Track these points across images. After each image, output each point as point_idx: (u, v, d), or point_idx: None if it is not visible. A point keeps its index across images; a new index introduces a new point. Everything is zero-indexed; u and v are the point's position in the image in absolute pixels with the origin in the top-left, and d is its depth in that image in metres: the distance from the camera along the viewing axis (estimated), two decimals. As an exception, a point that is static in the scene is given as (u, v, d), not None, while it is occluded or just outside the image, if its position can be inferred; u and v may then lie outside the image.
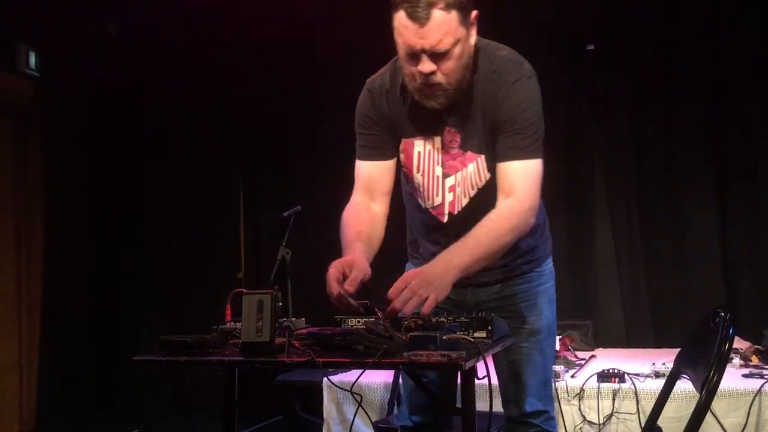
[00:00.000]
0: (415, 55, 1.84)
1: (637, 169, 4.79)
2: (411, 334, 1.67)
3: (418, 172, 2.08)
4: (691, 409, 1.74)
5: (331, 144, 5.14)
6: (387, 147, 2.10)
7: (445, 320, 1.79)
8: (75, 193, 5.30)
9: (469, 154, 2.01)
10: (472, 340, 1.71)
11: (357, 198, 2.16)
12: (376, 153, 2.11)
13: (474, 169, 2.02)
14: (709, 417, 3.09)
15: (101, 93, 5.39)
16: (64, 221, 5.23)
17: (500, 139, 1.95)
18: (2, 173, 5.02)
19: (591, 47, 4.85)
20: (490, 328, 1.80)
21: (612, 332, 4.68)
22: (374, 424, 3.07)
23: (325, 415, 3.71)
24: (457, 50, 1.84)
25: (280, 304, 1.73)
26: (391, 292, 1.73)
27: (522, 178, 1.93)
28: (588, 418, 3.37)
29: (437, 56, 1.82)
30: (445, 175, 2.06)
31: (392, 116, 2.06)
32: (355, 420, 3.42)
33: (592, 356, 4.11)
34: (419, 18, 1.78)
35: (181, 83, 5.34)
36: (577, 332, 4.40)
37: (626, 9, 4.78)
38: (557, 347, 3.81)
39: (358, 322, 1.86)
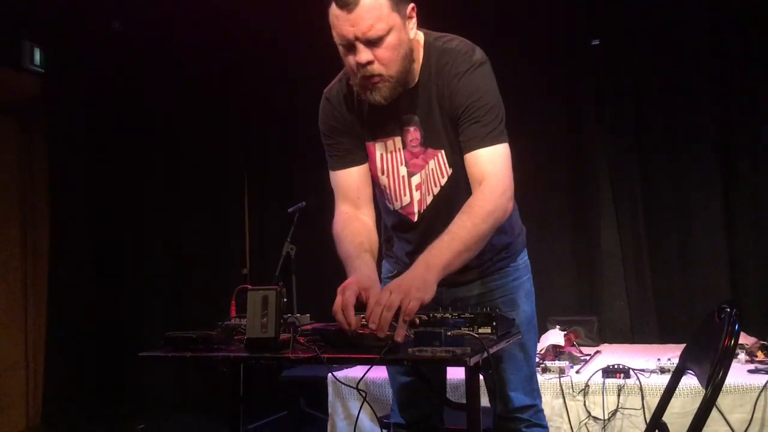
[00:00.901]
0: (350, 46, 1.84)
1: (642, 164, 4.78)
2: (415, 330, 1.67)
3: (382, 174, 2.08)
4: (697, 405, 1.74)
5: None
6: (356, 152, 2.10)
7: (450, 316, 1.79)
8: (80, 190, 5.31)
9: (429, 150, 2.00)
10: (477, 336, 1.71)
11: (343, 209, 2.14)
12: (346, 160, 2.11)
13: (435, 165, 2.01)
14: (714, 413, 3.09)
15: (106, 90, 5.39)
16: (69, 218, 5.24)
17: (462, 131, 1.93)
18: (7, 170, 5.03)
19: (596, 42, 4.83)
20: (494, 323, 1.79)
21: (617, 328, 4.67)
22: (379, 420, 3.08)
23: (330, 411, 3.72)
24: (391, 38, 1.83)
25: (285, 300, 1.73)
26: (368, 316, 1.65)
27: (491, 163, 1.90)
28: (593, 414, 3.37)
29: (371, 44, 1.82)
30: (410, 174, 2.05)
31: (353, 121, 2.06)
32: (360, 415, 3.43)
33: (597, 352, 4.11)
34: (347, 5, 1.78)
35: (186, 80, 5.35)
36: (582, 328, 4.40)
37: (631, 4, 4.77)
38: (562, 342, 3.82)
39: (363, 318, 1.86)
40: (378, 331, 1.61)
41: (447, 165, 2.00)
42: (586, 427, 3.36)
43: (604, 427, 3.33)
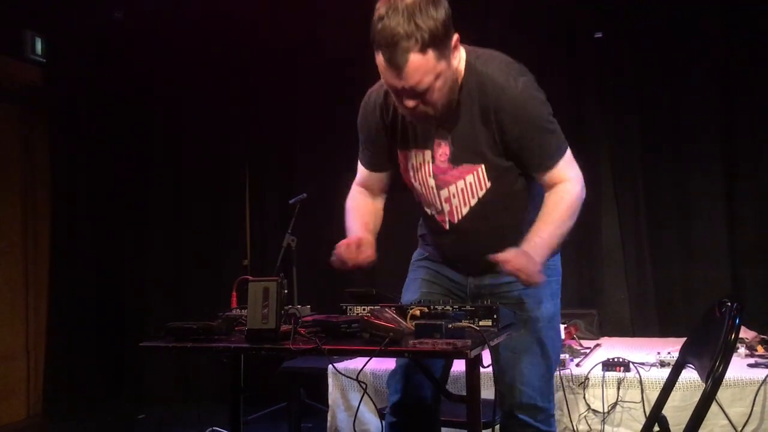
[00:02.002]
0: (397, 93, 1.89)
1: (644, 157, 4.77)
2: (416, 322, 1.67)
3: (415, 181, 2.15)
4: (696, 399, 1.74)
5: (338, 132, 5.14)
6: (382, 161, 2.20)
7: (451, 309, 1.80)
8: (81, 179, 5.32)
9: (463, 166, 2.03)
10: (478, 328, 1.71)
11: (358, 188, 2.30)
12: (371, 163, 2.23)
13: (473, 179, 2.04)
14: (714, 406, 3.10)
15: (107, 79, 5.39)
16: (69, 208, 5.24)
17: (525, 154, 2.00)
18: (8, 160, 5.03)
19: (599, 35, 4.81)
20: (495, 316, 1.80)
21: (617, 321, 4.67)
22: (379, 411, 3.08)
23: (330, 402, 3.72)
24: (438, 83, 1.86)
25: (286, 291, 1.74)
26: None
27: (564, 171, 2.02)
28: (593, 407, 3.37)
29: (419, 94, 1.86)
30: (438, 187, 2.10)
31: (387, 129, 2.11)
32: (360, 407, 3.44)
33: (597, 345, 4.11)
34: (397, 65, 1.80)
35: (188, 70, 5.34)
36: (582, 321, 4.40)
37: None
38: (562, 335, 3.81)
39: (364, 309, 1.87)
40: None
41: (486, 179, 2.04)
42: (586, 420, 3.37)
43: (603, 420, 3.34)
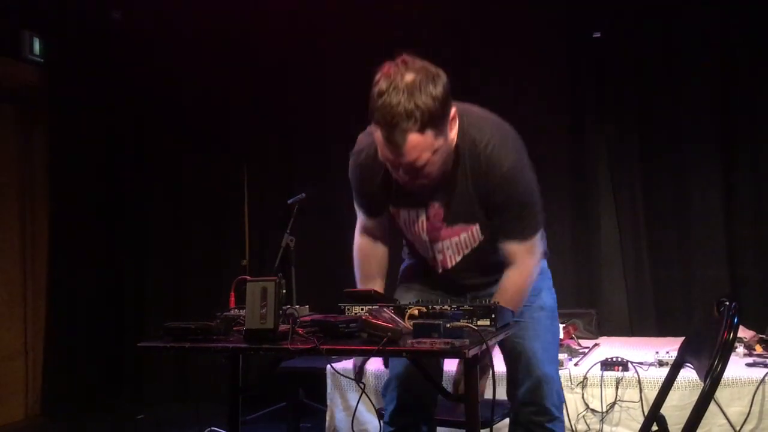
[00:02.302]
0: (394, 166, 1.91)
1: (643, 156, 4.77)
2: (414, 321, 1.67)
3: (407, 233, 2.22)
4: (695, 398, 1.74)
5: (336, 132, 5.13)
6: (380, 208, 2.21)
7: (449, 308, 1.80)
8: (79, 179, 5.31)
9: (458, 226, 2.10)
10: (476, 328, 1.71)
11: (362, 236, 2.32)
12: (371, 212, 2.24)
13: (467, 235, 2.12)
14: (712, 406, 3.10)
15: (106, 80, 5.38)
16: (68, 208, 5.24)
17: (503, 221, 2.05)
18: (7, 160, 5.03)
19: (597, 35, 4.82)
20: (493, 316, 1.80)
21: (616, 321, 4.68)
22: (378, 411, 3.08)
23: (328, 402, 3.72)
24: (435, 158, 1.88)
25: (284, 291, 1.73)
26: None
27: (531, 250, 2.09)
28: (591, 406, 3.37)
29: (416, 169, 1.88)
30: (431, 241, 2.16)
31: (378, 187, 2.12)
32: (359, 407, 3.44)
33: (596, 345, 4.11)
34: (396, 143, 1.81)
35: (186, 69, 5.33)
36: (580, 321, 4.40)
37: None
38: (560, 335, 3.82)
39: (362, 309, 1.87)
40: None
41: (480, 233, 2.11)
42: (585, 420, 3.37)
43: (602, 420, 3.34)
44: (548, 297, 2.31)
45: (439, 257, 2.17)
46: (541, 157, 4.75)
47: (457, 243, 2.13)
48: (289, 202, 3.98)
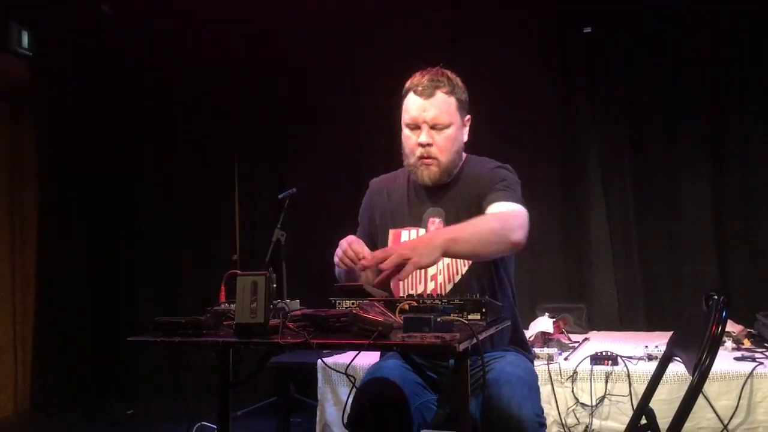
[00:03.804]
0: (416, 127, 2.16)
1: (632, 151, 4.79)
2: (405, 316, 1.67)
3: None
4: (683, 392, 1.75)
5: (328, 126, 5.13)
6: (374, 241, 2.31)
7: (440, 302, 1.80)
8: (69, 173, 5.29)
9: None
10: (466, 322, 1.71)
11: None
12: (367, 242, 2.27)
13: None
14: (700, 399, 3.12)
15: (95, 72, 5.35)
16: (57, 202, 5.21)
17: (488, 198, 2.14)
18: (-5, 153, 5.00)
19: (588, 30, 4.83)
20: (484, 310, 1.80)
21: (605, 315, 4.70)
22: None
23: (319, 397, 3.72)
24: (451, 131, 2.17)
25: (275, 285, 1.73)
26: (376, 256, 1.87)
27: (505, 209, 2.10)
28: (581, 400, 3.39)
29: (435, 129, 2.15)
30: None
31: (387, 209, 2.31)
32: (350, 401, 3.43)
33: (586, 339, 4.13)
34: (425, 94, 2.14)
35: (177, 63, 5.31)
36: (570, 315, 4.42)
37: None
38: (551, 329, 3.85)
39: (353, 304, 1.87)
40: (377, 284, 1.82)
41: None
42: (574, 414, 3.39)
43: (591, 414, 3.36)
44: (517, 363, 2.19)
45: (431, 286, 2.18)
46: (531, 155, 4.83)
47: (448, 265, 2.17)
48: (280, 196, 3.98)
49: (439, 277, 2.18)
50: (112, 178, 5.48)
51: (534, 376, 2.18)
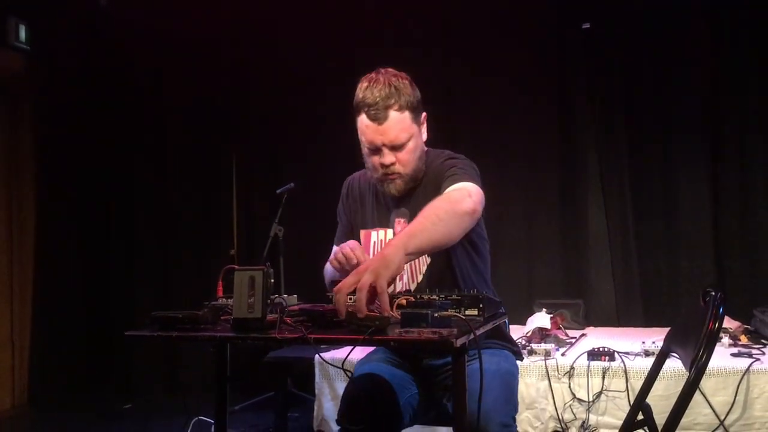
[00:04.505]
0: (377, 150, 2.14)
1: (630, 149, 4.80)
2: (402, 311, 1.67)
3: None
4: (680, 388, 1.75)
5: (325, 122, 5.12)
6: (353, 236, 2.32)
7: (437, 298, 1.79)
8: (66, 168, 5.27)
9: None
10: (464, 317, 1.71)
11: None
12: (348, 235, 2.34)
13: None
14: (697, 395, 3.12)
15: (92, 66, 5.34)
16: (55, 196, 5.20)
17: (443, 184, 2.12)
18: (-7, 148, 4.99)
19: (586, 26, 4.82)
20: (481, 306, 1.80)
21: (603, 311, 4.71)
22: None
23: (316, 392, 3.72)
24: (411, 144, 2.14)
25: (272, 280, 1.72)
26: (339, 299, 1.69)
27: (454, 186, 2.06)
28: (578, 396, 3.39)
29: (395, 149, 2.12)
30: None
31: (357, 210, 2.34)
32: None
33: (583, 335, 4.14)
34: (378, 119, 2.09)
35: (174, 57, 5.30)
36: (568, 311, 4.43)
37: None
38: (548, 325, 3.85)
39: (350, 299, 1.86)
40: (358, 312, 1.62)
41: (443, 253, 2.11)
42: (571, 409, 3.39)
43: (588, 409, 3.36)
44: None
45: (399, 285, 2.18)
46: (529, 151, 4.83)
47: (411, 263, 2.15)
48: (278, 192, 3.99)
49: (404, 275, 2.18)
50: (109, 173, 5.47)
51: (510, 375, 2.15)
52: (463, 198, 1.98)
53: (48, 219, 5.15)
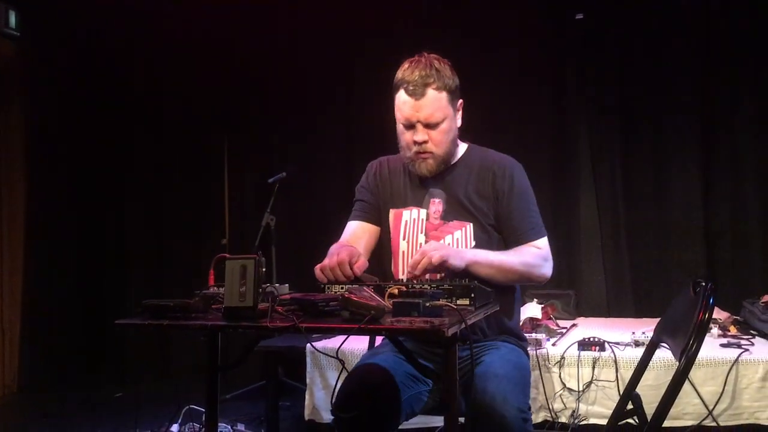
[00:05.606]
0: (411, 126, 2.20)
1: (622, 139, 4.81)
2: (394, 300, 1.67)
3: (403, 239, 2.31)
4: (670, 378, 1.76)
5: (319, 111, 5.11)
6: (374, 214, 2.38)
7: (428, 287, 1.80)
8: (58, 155, 5.25)
9: (453, 222, 2.25)
10: (455, 307, 1.71)
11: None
12: (364, 215, 2.38)
13: (461, 235, 2.24)
14: (686, 385, 3.15)
15: (83, 53, 5.30)
16: (46, 184, 5.18)
17: (514, 220, 2.24)
18: (-18, 135, 4.95)
19: (580, 16, 4.82)
20: (473, 295, 1.80)
21: (594, 302, 4.73)
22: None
23: (308, 381, 3.73)
24: (445, 125, 2.20)
25: (264, 269, 1.72)
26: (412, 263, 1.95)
27: (540, 245, 2.26)
28: (568, 386, 3.41)
29: (429, 127, 2.18)
30: (427, 242, 2.23)
31: (387, 189, 2.37)
32: (338, 385, 3.44)
33: (574, 325, 4.16)
34: (416, 94, 2.16)
35: (167, 46, 5.26)
36: (559, 301, 4.44)
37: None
38: (539, 315, 3.86)
39: (342, 288, 1.86)
40: (409, 273, 1.93)
41: (472, 238, 2.23)
42: (561, 399, 3.41)
43: (578, 399, 3.38)
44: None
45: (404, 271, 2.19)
46: (521, 141, 4.83)
47: (450, 244, 2.20)
48: (270, 181, 3.97)
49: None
50: (101, 161, 5.44)
51: (524, 370, 2.21)
52: (541, 266, 2.21)
53: (38, 207, 5.12)
